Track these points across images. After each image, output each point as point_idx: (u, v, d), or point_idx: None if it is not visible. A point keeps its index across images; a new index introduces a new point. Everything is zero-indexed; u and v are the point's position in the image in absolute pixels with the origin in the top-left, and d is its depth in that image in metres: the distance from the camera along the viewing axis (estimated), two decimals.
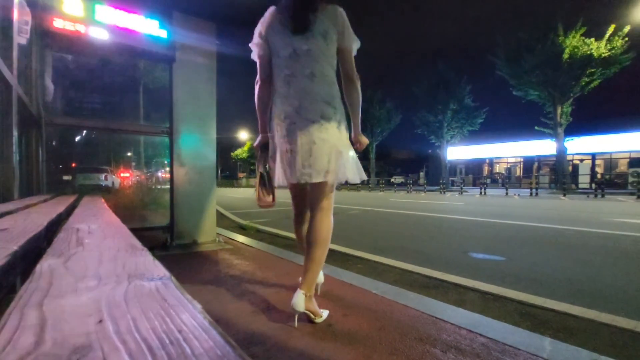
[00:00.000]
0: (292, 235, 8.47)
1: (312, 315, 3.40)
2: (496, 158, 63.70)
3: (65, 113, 9.60)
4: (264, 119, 3.71)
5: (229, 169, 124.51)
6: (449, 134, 52.97)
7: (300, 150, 3.34)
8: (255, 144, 3.86)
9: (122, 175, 25.69)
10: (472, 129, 52.84)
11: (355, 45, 3.52)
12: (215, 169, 7.41)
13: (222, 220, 12.14)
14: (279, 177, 3.51)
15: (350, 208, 17.83)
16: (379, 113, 62.60)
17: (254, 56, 3.65)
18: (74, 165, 20.77)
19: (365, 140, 3.84)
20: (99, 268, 1.06)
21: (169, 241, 6.85)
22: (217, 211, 9.08)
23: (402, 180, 71.24)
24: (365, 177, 3.65)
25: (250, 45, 3.67)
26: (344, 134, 3.47)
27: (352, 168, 3.49)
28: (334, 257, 6.59)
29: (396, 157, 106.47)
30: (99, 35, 5.82)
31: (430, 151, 71.28)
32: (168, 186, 7.12)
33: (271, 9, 3.53)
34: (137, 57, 7.84)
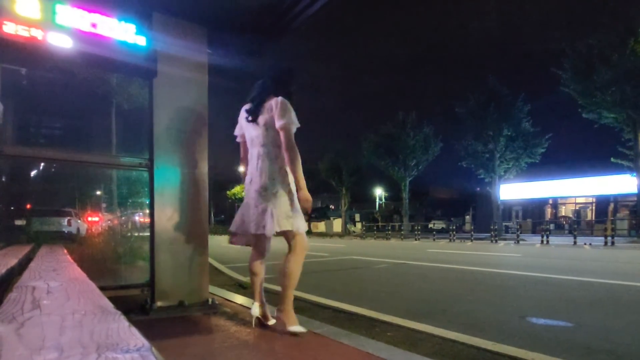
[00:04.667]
0: (305, 296, 8.53)
1: (285, 324, 5.45)
2: (561, 198, 63.21)
3: (18, 141, 9.67)
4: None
5: (224, 212, 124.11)
6: (502, 168, 51.19)
7: (248, 209, 5.73)
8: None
9: (89, 219, 25.73)
10: (531, 161, 51.06)
11: (291, 125, 5.58)
12: (207, 211, 7.39)
13: (216, 276, 12.13)
14: (234, 225, 5.92)
15: (377, 261, 17.77)
16: (413, 141, 61.29)
17: (237, 140, 6.24)
18: (28, 206, 20.85)
19: (305, 198, 5.63)
20: (60, 337, 1.06)
21: (149, 303, 6.65)
22: (211, 265, 9.06)
23: (443, 225, 70.73)
24: (299, 229, 5.65)
25: (235, 133, 6.23)
26: (282, 199, 5.56)
27: (287, 223, 5.50)
28: (356, 323, 6.58)
29: (435, 197, 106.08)
30: (61, 42, 5.77)
31: (478, 189, 70.03)
32: (147, 233, 7.06)
33: (243, 107, 6.00)
34: (109, 71, 7.89)
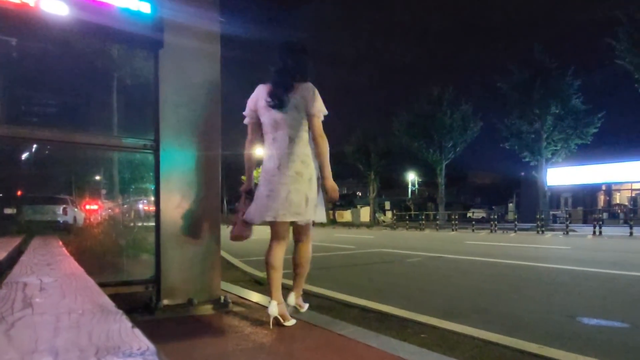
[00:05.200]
0: (328, 293, 8.57)
1: (299, 307, 6.52)
2: (616, 183, 62.71)
3: (8, 120, 9.69)
4: (250, 170, 6.70)
5: (238, 199, 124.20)
6: (549, 150, 50.97)
7: (279, 196, 5.94)
8: (242, 188, 6.71)
9: (87, 207, 25.80)
10: (581, 143, 50.58)
11: (320, 113, 6.10)
12: (219, 198, 7.40)
13: (229, 271, 12.17)
14: (256, 215, 6.15)
15: (409, 254, 17.79)
16: (450, 120, 61.04)
17: (246, 122, 6.45)
18: (19, 193, 20.88)
19: (333, 187, 6.17)
20: (54, 339, 1.06)
21: (155, 301, 6.66)
22: (223, 258, 9.07)
23: (483, 214, 70.58)
24: (323, 219, 6.43)
25: (244, 113, 6.44)
26: (314, 185, 6.08)
27: (319, 211, 6.20)
28: (387, 324, 6.59)
29: (474, 182, 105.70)
30: (55, 9, 5.73)
31: (522, 174, 69.51)
32: (152, 223, 7.08)
33: (259, 87, 6.32)
34: (109, 41, 7.87)
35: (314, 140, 6.18)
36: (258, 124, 6.37)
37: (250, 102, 6.40)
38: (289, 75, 6.20)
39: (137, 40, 6.69)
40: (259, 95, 6.29)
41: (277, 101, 6.08)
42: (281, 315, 5.94)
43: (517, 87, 50.50)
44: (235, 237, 6.52)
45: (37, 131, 7.04)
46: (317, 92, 6.18)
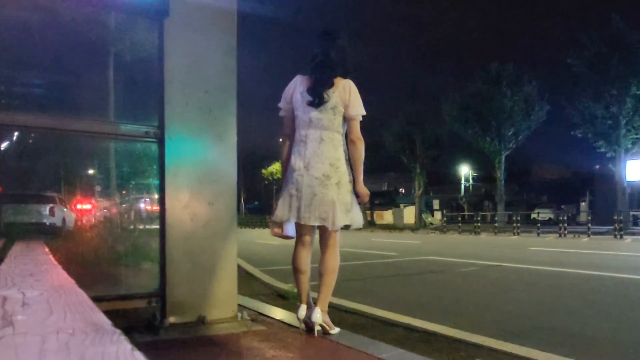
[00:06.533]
0: (365, 309, 8.61)
1: (327, 327, 6.55)
2: None
3: None
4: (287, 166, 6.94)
5: (257, 197, 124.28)
6: (629, 138, 50.49)
7: (304, 197, 6.42)
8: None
9: (79, 207, 25.86)
10: None
11: (359, 115, 6.70)
12: (235, 196, 7.39)
13: (248, 283, 12.20)
14: (280, 213, 6.67)
15: (462, 263, 17.81)
16: (510, 102, 60.77)
17: (281, 114, 7.04)
18: None
19: (365, 193, 6.83)
20: None
21: (159, 318, 6.61)
22: (240, 268, 9.09)
23: (551, 215, 70.33)
24: (360, 224, 6.94)
25: (279, 105, 7.01)
26: (343, 189, 6.55)
27: (346, 217, 6.55)
28: (435, 346, 6.61)
29: (540, 177, 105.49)
30: None
31: (597, 167, 69.31)
32: (156, 226, 7.06)
33: (297, 78, 6.86)
34: (105, 9, 7.87)
35: (350, 143, 6.79)
36: (293, 118, 6.88)
37: (285, 94, 6.96)
38: (330, 71, 6.66)
39: (138, 7, 6.68)
40: (296, 87, 6.81)
41: (317, 99, 6.53)
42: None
43: (591, 64, 50.07)
44: (281, 236, 7.08)
45: (19, 116, 7.02)
46: (356, 91, 6.70)
